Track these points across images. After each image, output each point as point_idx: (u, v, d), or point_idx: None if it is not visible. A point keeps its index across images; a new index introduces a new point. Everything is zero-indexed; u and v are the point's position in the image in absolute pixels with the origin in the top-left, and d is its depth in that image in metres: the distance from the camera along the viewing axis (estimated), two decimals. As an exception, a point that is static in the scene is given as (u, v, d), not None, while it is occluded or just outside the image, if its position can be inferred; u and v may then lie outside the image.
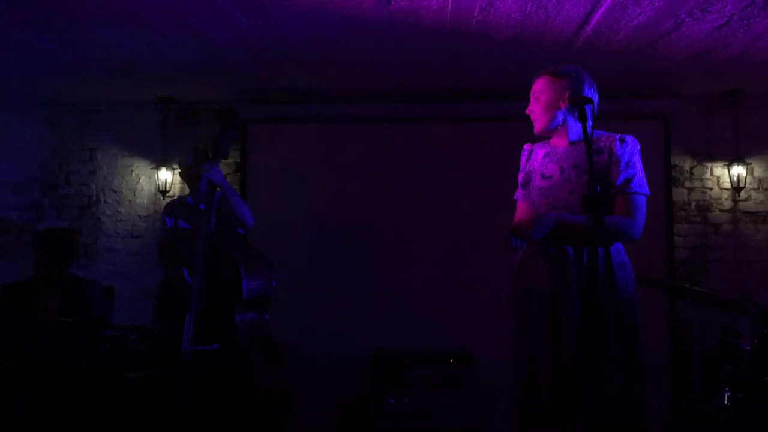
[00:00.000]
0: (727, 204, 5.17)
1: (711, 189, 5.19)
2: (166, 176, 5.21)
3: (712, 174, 5.19)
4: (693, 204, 5.18)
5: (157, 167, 5.25)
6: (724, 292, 4.40)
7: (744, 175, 5.07)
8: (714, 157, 5.18)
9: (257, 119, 5.14)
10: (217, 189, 3.53)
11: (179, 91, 5.09)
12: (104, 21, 3.69)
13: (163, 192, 5.23)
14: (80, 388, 3.56)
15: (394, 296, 4.95)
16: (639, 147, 2.55)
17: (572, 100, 2.50)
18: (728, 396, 3.04)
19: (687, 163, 5.20)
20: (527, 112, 2.66)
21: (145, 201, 5.38)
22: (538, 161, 2.67)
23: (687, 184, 5.19)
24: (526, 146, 2.76)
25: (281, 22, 3.72)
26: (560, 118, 2.58)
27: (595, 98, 2.55)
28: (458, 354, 4.55)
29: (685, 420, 3.18)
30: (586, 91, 2.53)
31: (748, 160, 5.10)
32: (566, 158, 2.57)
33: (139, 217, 5.38)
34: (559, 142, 2.63)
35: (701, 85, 4.90)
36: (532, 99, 2.64)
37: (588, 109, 2.29)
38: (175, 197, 4.78)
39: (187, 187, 4.21)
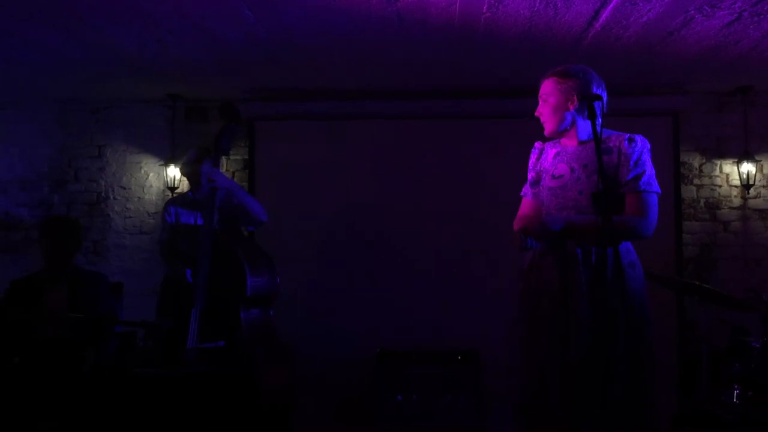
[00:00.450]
0: (737, 201, 5.14)
1: (720, 186, 5.16)
2: (175, 173, 5.22)
3: (721, 171, 5.17)
4: (702, 201, 5.16)
5: (166, 164, 5.27)
6: (733, 290, 4.37)
7: (753, 172, 5.04)
8: (723, 155, 5.15)
9: (265, 116, 5.15)
10: (217, 188, 3.53)
11: (187, 88, 5.09)
12: (113, 18, 3.70)
13: (172, 189, 5.25)
14: (88, 385, 3.56)
15: (400, 295, 4.93)
16: (649, 146, 2.54)
17: (581, 98, 2.50)
18: (737, 394, 3.03)
19: (696, 161, 5.17)
20: (536, 114, 2.66)
21: (154, 197, 5.40)
22: (549, 161, 2.67)
23: (696, 181, 5.17)
24: (537, 144, 2.76)
25: (289, 19, 3.72)
26: (569, 120, 2.58)
27: (604, 96, 2.54)
28: (465, 353, 4.53)
29: (693, 419, 3.16)
30: (595, 90, 2.52)
31: (757, 158, 5.07)
32: (576, 158, 2.57)
33: (148, 213, 5.40)
34: (569, 142, 2.63)
35: (711, 81, 4.87)
36: (540, 101, 2.64)
37: (597, 106, 2.29)
38: (176, 195, 4.79)
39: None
